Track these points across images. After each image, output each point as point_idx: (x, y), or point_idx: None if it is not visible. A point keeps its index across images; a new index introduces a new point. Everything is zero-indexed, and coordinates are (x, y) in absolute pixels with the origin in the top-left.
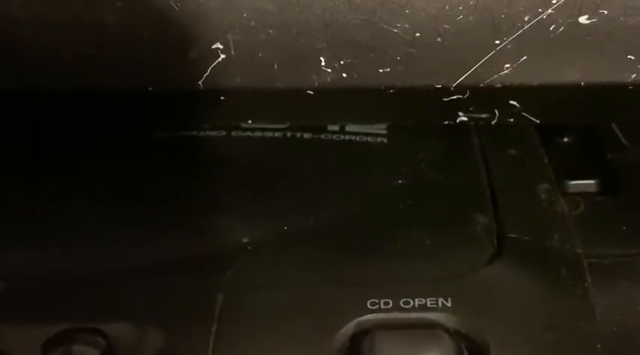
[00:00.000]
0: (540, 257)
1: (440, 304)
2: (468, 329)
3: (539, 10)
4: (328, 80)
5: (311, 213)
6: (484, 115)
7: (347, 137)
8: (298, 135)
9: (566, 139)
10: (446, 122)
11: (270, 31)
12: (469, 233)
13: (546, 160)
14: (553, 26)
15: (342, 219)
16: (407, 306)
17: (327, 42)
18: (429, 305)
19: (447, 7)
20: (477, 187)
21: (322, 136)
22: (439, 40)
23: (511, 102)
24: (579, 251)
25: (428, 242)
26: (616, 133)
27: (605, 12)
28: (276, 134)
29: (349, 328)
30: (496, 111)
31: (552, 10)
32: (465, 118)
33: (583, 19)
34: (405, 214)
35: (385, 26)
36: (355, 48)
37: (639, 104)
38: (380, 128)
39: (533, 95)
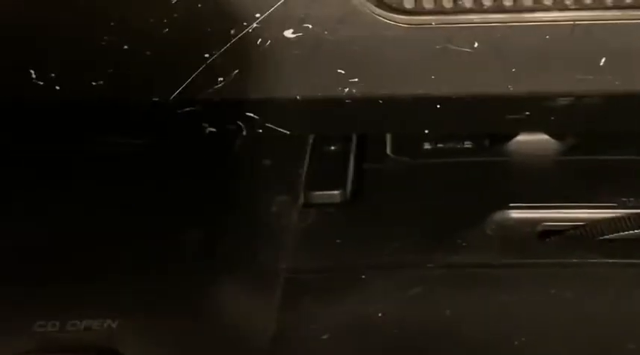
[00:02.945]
0: (242, 273)
1: (105, 326)
2: (128, 350)
3: (244, 23)
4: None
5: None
6: (231, 127)
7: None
8: None
9: (333, 147)
10: (196, 132)
11: None
12: (180, 248)
13: (304, 170)
14: (260, 40)
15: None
16: (73, 329)
17: None
18: (94, 327)
19: (151, 19)
20: (208, 199)
21: None
22: (149, 53)
23: (248, 114)
24: (283, 266)
25: (131, 259)
26: (384, 142)
27: (310, 26)
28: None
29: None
30: (240, 123)
31: (257, 23)
32: (212, 129)
33: (288, 34)
34: (116, 231)
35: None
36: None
37: (355, 117)
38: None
39: (266, 108)
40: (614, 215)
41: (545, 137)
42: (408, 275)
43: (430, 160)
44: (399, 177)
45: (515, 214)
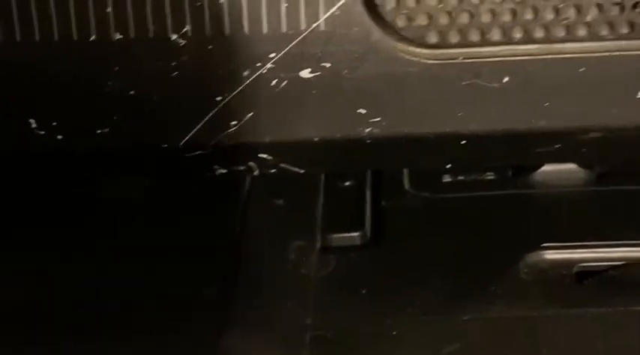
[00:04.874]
0: (265, 333)
1: None
2: None
3: (258, 64)
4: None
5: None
6: (241, 167)
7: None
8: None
9: (347, 183)
10: (206, 174)
11: None
12: (194, 311)
13: (319, 209)
14: (275, 81)
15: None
16: None
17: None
18: None
19: (159, 63)
20: (220, 249)
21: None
22: (156, 98)
23: (262, 155)
24: (308, 322)
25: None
26: (402, 175)
27: (328, 65)
28: None
29: None
30: (251, 164)
31: (271, 64)
32: (223, 171)
33: (305, 73)
34: (124, 286)
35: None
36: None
37: (375, 155)
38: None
39: (281, 149)
40: None
41: (572, 166)
42: (442, 329)
43: (451, 195)
44: (420, 215)
45: (550, 255)
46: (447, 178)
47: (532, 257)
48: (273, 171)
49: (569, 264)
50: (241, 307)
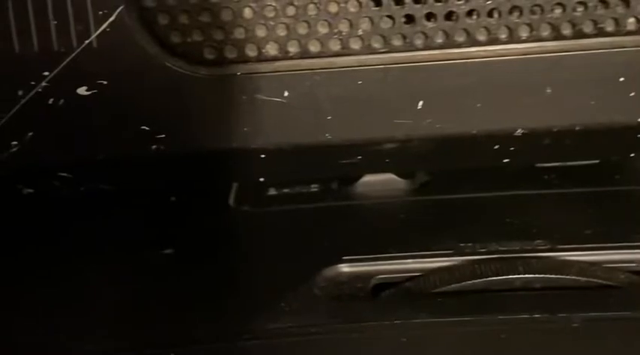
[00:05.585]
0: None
1: None
2: None
3: (32, 83)
4: None
5: None
6: (48, 186)
7: None
8: None
9: (173, 198)
10: (14, 193)
11: None
12: None
13: (142, 225)
14: (52, 99)
15: None
16: None
17: None
18: None
19: None
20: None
21: None
22: None
23: (62, 174)
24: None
25: None
26: (229, 189)
27: (105, 82)
28: None
29: None
30: (56, 183)
31: (46, 82)
32: (30, 190)
33: (82, 91)
34: None
35: None
36: None
37: (168, 170)
38: None
39: (77, 167)
40: (449, 263)
41: (392, 176)
42: (220, 350)
43: (271, 208)
44: (236, 230)
45: (347, 268)
46: (272, 191)
47: (331, 271)
48: (82, 189)
49: (366, 276)
50: None
